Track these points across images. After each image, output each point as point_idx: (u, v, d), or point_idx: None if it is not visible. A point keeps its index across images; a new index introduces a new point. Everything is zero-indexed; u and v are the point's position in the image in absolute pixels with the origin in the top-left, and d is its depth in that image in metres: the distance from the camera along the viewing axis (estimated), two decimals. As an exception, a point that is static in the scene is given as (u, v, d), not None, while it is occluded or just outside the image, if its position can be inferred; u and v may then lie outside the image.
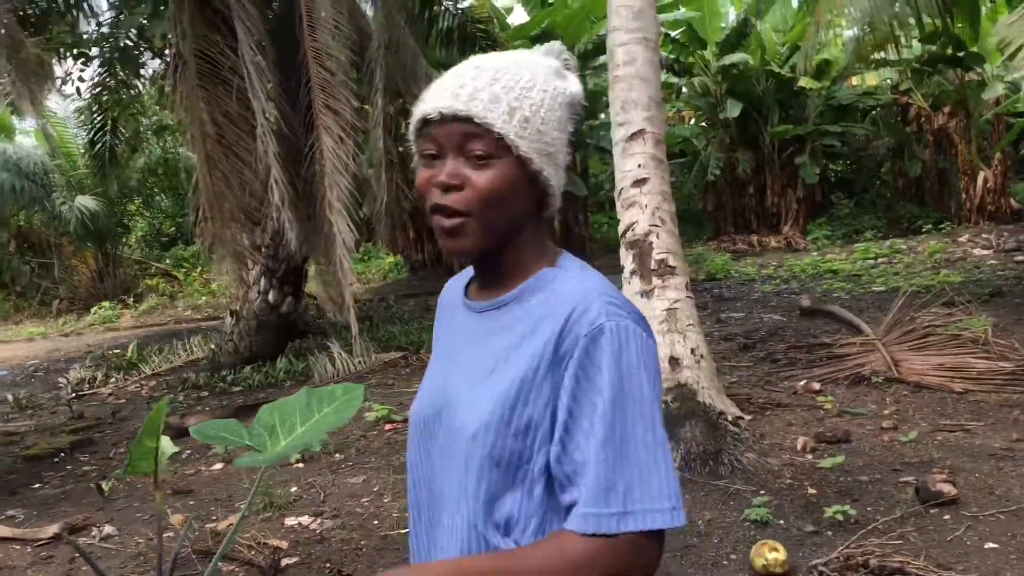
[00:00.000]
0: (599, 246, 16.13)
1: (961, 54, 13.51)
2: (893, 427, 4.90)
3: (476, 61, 1.16)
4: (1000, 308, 7.79)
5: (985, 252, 11.87)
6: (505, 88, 1.11)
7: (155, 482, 2.65)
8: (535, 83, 1.14)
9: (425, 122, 1.13)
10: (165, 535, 4.29)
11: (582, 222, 15.59)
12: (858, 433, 4.87)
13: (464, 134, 1.09)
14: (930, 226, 14.43)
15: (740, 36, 14.35)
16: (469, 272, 1.35)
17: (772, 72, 14.80)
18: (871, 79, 16.37)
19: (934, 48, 13.73)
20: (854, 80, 16.31)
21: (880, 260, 12.15)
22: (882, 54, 14.25)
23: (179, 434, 6.01)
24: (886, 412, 5.22)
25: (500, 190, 1.10)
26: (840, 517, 3.63)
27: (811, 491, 4.04)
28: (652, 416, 1.05)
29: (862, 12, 7.61)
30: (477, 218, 1.10)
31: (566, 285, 1.14)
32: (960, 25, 11.69)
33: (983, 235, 13.12)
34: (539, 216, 1.19)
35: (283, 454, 2.71)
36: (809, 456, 4.52)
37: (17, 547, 4.44)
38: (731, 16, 16.20)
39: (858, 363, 6.27)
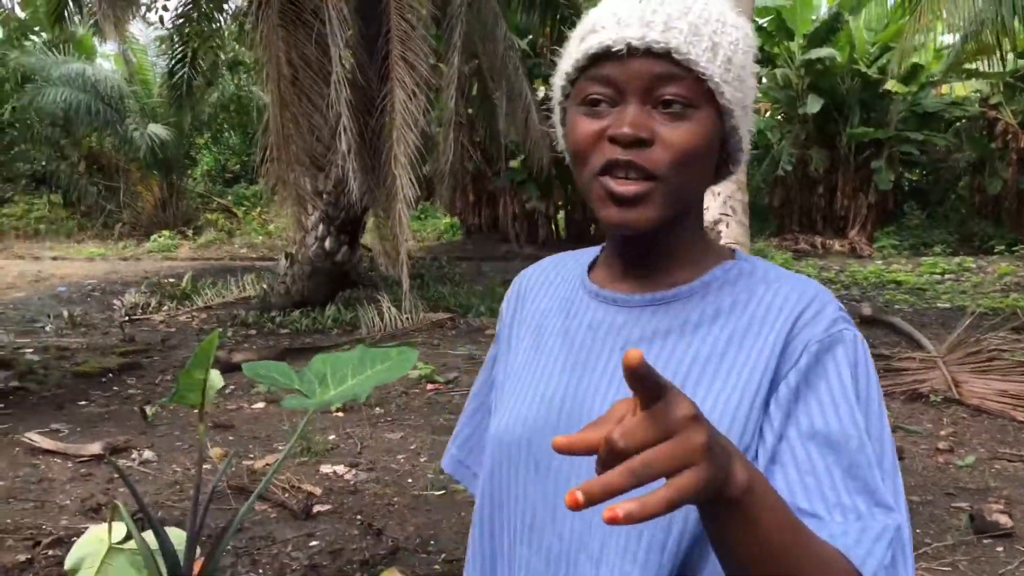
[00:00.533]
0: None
1: (1061, 72, 12.92)
2: (949, 449, 4.72)
3: None
4: (1072, 340, 7.46)
5: (1059, 280, 11.41)
6: (703, 19, 0.85)
7: (200, 414, 2.63)
8: (726, 17, 0.88)
9: (595, 58, 0.85)
10: (203, 467, 4.34)
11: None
12: (912, 451, 4.71)
13: (657, 75, 0.83)
14: (1003, 247, 13.93)
15: (830, 30, 13.91)
16: (574, 257, 1.06)
17: (858, 71, 14.33)
18: (960, 89, 15.78)
19: (1032, 63, 13.16)
20: (943, 88, 15.74)
21: (947, 276, 11.77)
22: (976, 64, 13.74)
23: (225, 369, 6.06)
24: (943, 433, 5.03)
25: (699, 149, 0.84)
26: (888, 536, 3.49)
27: (858, 505, 3.90)
28: (891, 446, 0.83)
29: (967, 18, 7.26)
30: (667, 184, 0.84)
31: (781, 281, 0.90)
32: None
33: (1059, 262, 12.63)
34: (708, 187, 0.93)
35: (329, 402, 2.68)
36: (859, 469, 4.38)
37: (59, 461, 4.53)
38: (823, 8, 15.69)
39: (917, 379, 6.06)
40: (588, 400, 0.90)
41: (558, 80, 0.91)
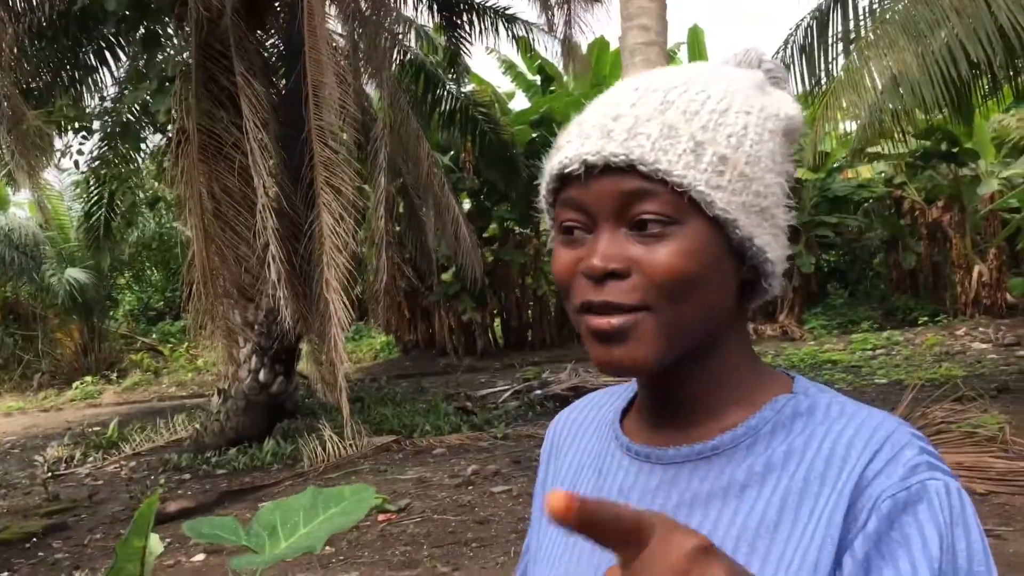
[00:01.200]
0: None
1: (955, 150, 13.70)
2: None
3: (635, 81, 0.76)
4: (1010, 404, 7.61)
5: (984, 345, 11.77)
6: (685, 114, 0.71)
7: (140, 586, 2.40)
8: (731, 103, 0.73)
9: (562, 179, 0.74)
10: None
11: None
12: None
13: (625, 193, 0.70)
14: (926, 318, 14.39)
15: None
16: (610, 396, 0.92)
17: (768, 162, 14.95)
18: (865, 172, 16.58)
19: (928, 144, 13.93)
20: (848, 173, 16.52)
21: (879, 351, 12.03)
22: (879, 147, 14.47)
23: (159, 520, 5.69)
24: (908, 513, 4.98)
25: (688, 272, 0.70)
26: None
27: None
28: None
29: (867, 108, 7.65)
30: (658, 315, 0.70)
31: (842, 419, 0.73)
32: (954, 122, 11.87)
33: (980, 328, 13.06)
34: (745, 311, 0.79)
35: (282, 556, 2.48)
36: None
37: (-21, 646, 4.10)
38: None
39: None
40: None
41: (543, 205, 0.80)
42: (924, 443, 0.71)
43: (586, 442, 0.89)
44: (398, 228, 12.45)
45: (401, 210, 12.33)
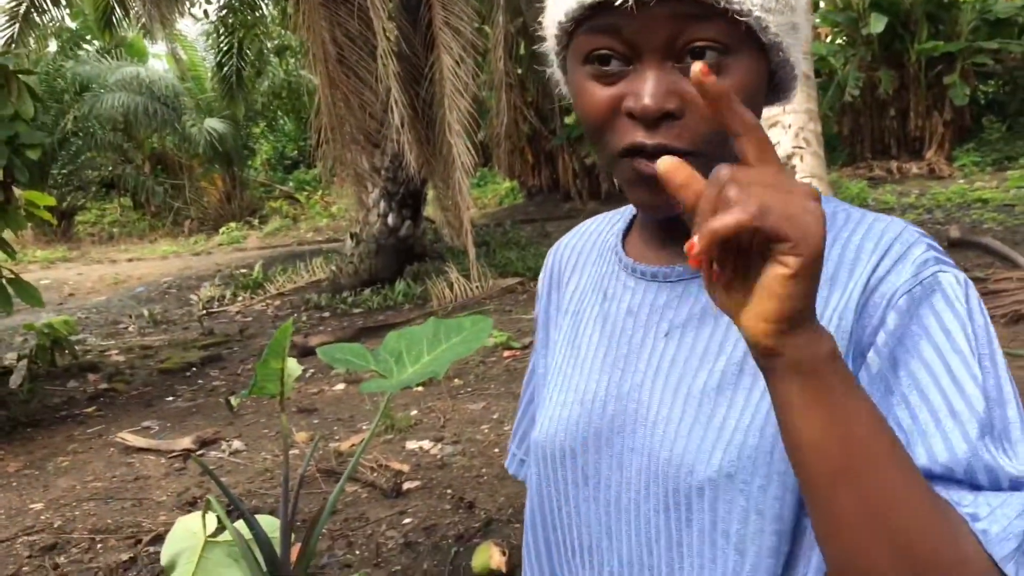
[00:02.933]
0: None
1: None
2: (1062, 372, 4.44)
3: None
4: None
5: None
6: None
7: (281, 404, 2.59)
8: None
9: (595, 6, 0.66)
10: (290, 452, 4.35)
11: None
12: (1022, 377, 4.44)
13: (680, 18, 0.64)
14: (1095, 154, 13.15)
15: (888, -57, 13.20)
16: (607, 220, 0.90)
17: (922, -18, 13.60)
18: (1035, -11, 14.84)
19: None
20: (1015, -9, 14.84)
21: (1036, 189, 11.16)
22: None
23: (303, 353, 6.11)
24: (1052, 355, 4.75)
25: (748, 106, 0.61)
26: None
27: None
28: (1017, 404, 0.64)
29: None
30: (710, 157, 0.64)
31: (849, 225, 0.72)
32: None
33: None
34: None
35: (408, 381, 2.61)
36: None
37: (152, 457, 4.60)
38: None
39: (1017, 300, 5.74)
40: (633, 400, 0.75)
41: (549, 28, 0.72)
42: (930, 240, 0.70)
43: (589, 267, 0.88)
44: (519, 71, 12.21)
45: (522, 51, 12.05)
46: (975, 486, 0.61)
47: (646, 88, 0.65)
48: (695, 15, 0.64)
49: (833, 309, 0.68)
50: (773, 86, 0.73)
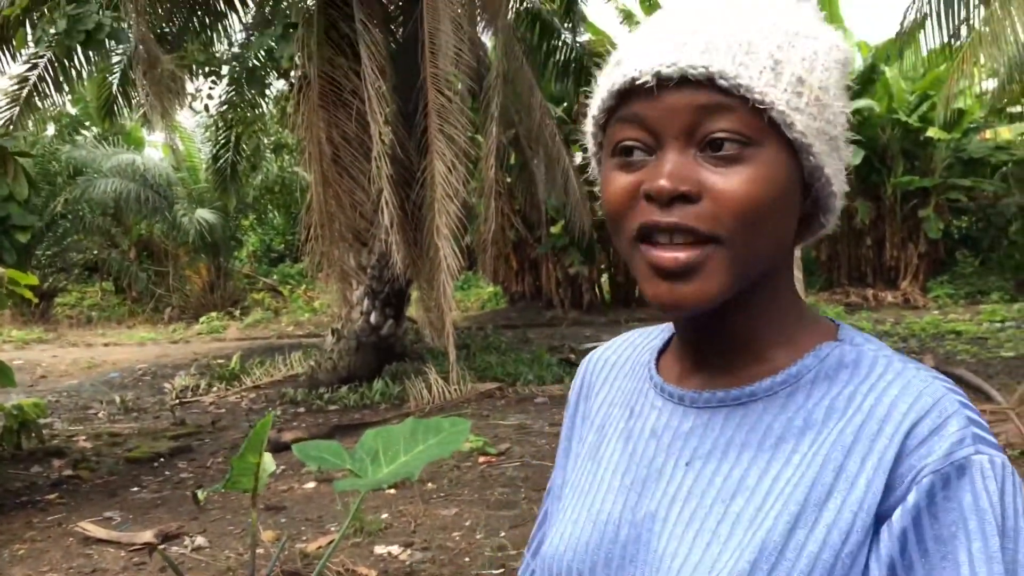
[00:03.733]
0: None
1: (1109, 110, 12.66)
2: (1035, 507, 4.44)
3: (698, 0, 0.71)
4: None
5: None
6: (763, 32, 0.67)
7: (253, 501, 2.56)
8: (799, 26, 0.69)
9: (624, 95, 0.68)
10: (256, 552, 4.24)
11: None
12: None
13: (700, 107, 0.65)
14: (1064, 291, 13.49)
15: (866, 82, 13.84)
16: (646, 335, 0.89)
17: (899, 120, 14.20)
18: (1005, 132, 15.52)
19: (1078, 102, 12.93)
20: (987, 134, 15.51)
21: (1008, 324, 11.39)
22: (1020, 107, 13.53)
23: (276, 448, 6.01)
24: (1026, 490, 4.75)
25: (765, 200, 0.66)
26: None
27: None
28: None
29: (1007, 63, 7.16)
30: (729, 248, 0.66)
31: (887, 376, 0.69)
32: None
33: (1125, 305, 12.16)
34: (795, 244, 0.74)
35: (382, 481, 2.59)
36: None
37: (112, 550, 4.46)
38: (858, 61, 15.66)
39: (993, 432, 5.78)
40: (647, 528, 0.73)
41: (588, 127, 0.75)
42: (971, 411, 0.66)
43: (620, 381, 0.86)
44: (508, 179, 12.51)
45: (512, 161, 12.37)
46: None
47: (663, 169, 0.66)
48: (715, 103, 0.65)
49: (861, 471, 0.66)
50: (811, 201, 0.72)
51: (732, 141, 0.65)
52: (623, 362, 0.87)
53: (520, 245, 15.01)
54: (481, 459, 5.89)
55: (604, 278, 15.65)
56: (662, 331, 0.87)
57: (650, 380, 0.81)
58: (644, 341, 0.88)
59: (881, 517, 0.64)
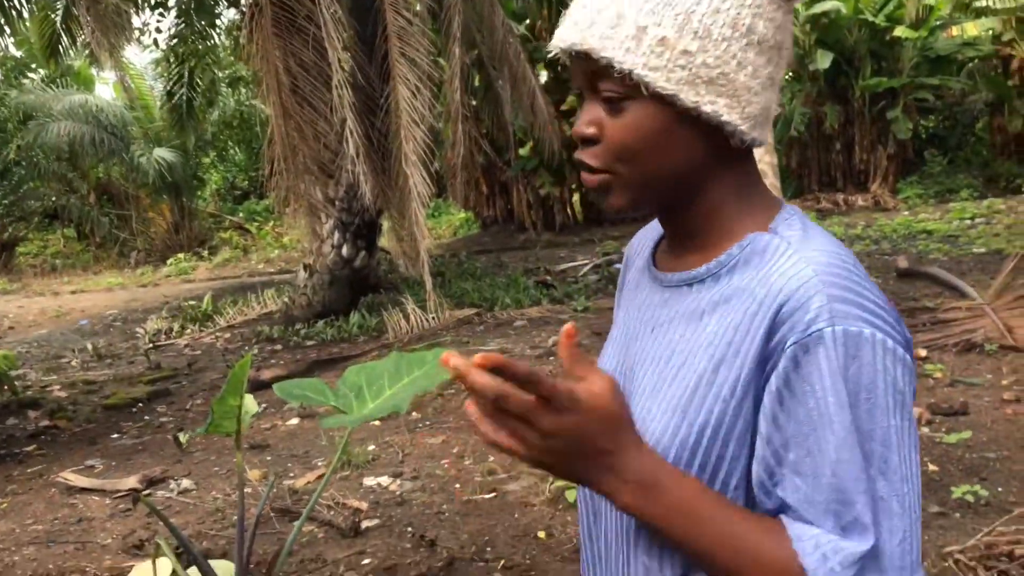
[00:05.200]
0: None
1: (1074, 0, 12.54)
2: (1015, 399, 4.50)
3: None
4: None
5: (1094, 213, 11.10)
6: (634, 3, 0.81)
7: (237, 442, 2.49)
8: None
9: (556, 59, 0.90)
10: (244, 492, 4.21)
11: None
12: (976, 405, 4.50)
13: (591, 73, 0.84)
14: (1031, 186, 13.58)
15: (832, -17, 13.57)
16: (656, 225, 1.05)
17: (865, 21, 13.99)
18: (971, 28, 15.39)
19: (1044, -6, 12.79)
20: (953, 30, 15.36)
21: (978, 220, 11.46)
22: (986, 2, 13.37)
23: (255, 387, 5.95)
24: (1004, 383, 4.82)
25: (636, 141, 0.83)
26: (970, 498, 3.31)
27: (932, 467, 3.71)
28: (898, 452, 0.75)
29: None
30: (619, 176, 0.85)
31: (780, 262, 0.82)
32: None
33: (1091, 195, 12.28)
34: (729, 161, 0.87)
35: (369, 416, 2.53)
36: (926, 429, 4.18)
37: (96, 498, 4.41)
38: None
39: (966, 329, 5.84)
40: (628, 380, 0.92)
41: None
42: (841, 292, 0.77)
43: (640, 260, 1.03)
44: (474, 102, 12.23)
45: (477, 83, 12.08)
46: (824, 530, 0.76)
47: (581, 118, 0.87)
48: (598, 70, 0.83)
49: (737, 345, 0.81)
50: (714, 140, 0.85)
51: (614, 96, 0.83)
52: (647, 244, 1.04)
53: (489, 169, 14.81)
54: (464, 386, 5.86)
55: (575, 198, 15.53)
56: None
57: (649, 265, 0.99)
58: (655, 229, 1.04)
59: (761, 385, 0.79)
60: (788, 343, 0.76)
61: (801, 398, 0.76)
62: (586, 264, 10.57)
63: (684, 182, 0.86)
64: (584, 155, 0.86)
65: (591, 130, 0.85)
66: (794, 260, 0.81)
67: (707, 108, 0.81)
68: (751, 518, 0.79)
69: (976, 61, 15.13)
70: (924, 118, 16.15)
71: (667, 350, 0.87)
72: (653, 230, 1.04)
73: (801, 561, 0.74)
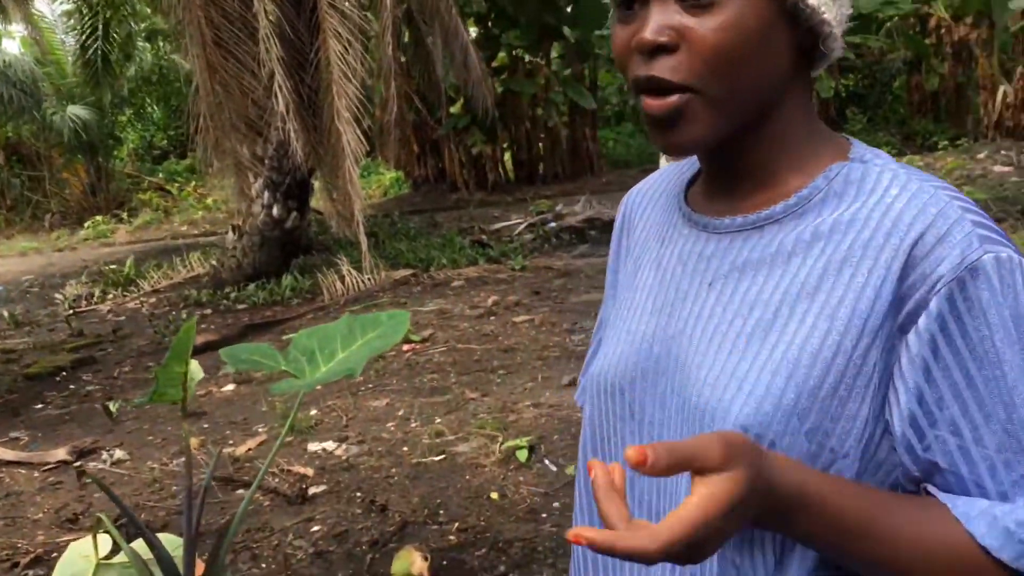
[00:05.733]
0: (607, 163, 15.73)
1: (991, -39, 12.89)
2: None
3: None
4: (1035, 227, 7.51)
5: (1006, 169, 11.52)
6: None
7: (183, 410, 2.39)
8: None
9: None
10: (180, 459, 4.08)
11: (590, 137, 15.11)
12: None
13: None
14: (946, 142, 14.04)
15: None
16: (679, 168, 0.91)
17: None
18: (892, -12, 15.70)
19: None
20: (874, -11, 15.65)
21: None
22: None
23: (188, 353, 5.76)
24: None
25: (738, 44, 0.69)
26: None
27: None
28: None
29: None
30: (706, 93, 0.70)
31: (896, 191, 0.72)
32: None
33: (1003, 152, 12.74)
34: (806, 76, 0.77)
35: (322, 379, 2.45)
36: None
37: (23, 471, 4.22)
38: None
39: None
40: (676, 344, 0.79)
41: None
42: (976, 215, 0.69)
43: (655, 214, 0.90)
44: (404, 58, 11.97)
45: (407, 39, 11.81)
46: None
47: (646, 23, 0.70)
48: None
49: (866, 276, 0.70)
50: (804, 31, 0.73)
51: None
52: (657, 196, 0.92)
53: (420, 127, 14.57)
54: (405, 347, 5.79)
55: (507, 156, 15.42)
56: (692, 164, 0.90)
57: (679, 210, 0.86)
58: (676, 173, 0.91)
59: (904, 328, 0.69)
60: (939, 280, 0.67)
61: (964, 341, 0.67)
62: (520, 223, 10.52)
63: (767, 101, 0.74)
64: (657, 68, 0.70)
65: (666, 37, 0.69)
66: (915, 186, 0.71)
67: (812, 0, 0.71)
68: (906, 505, 0.69)
69: (895, 19, 15.49)
70: (844, 77, 16.50)
71: (742, 304, 0.75)
72: (659, 181, 0.94)
73: (981, 543, 0.66)
